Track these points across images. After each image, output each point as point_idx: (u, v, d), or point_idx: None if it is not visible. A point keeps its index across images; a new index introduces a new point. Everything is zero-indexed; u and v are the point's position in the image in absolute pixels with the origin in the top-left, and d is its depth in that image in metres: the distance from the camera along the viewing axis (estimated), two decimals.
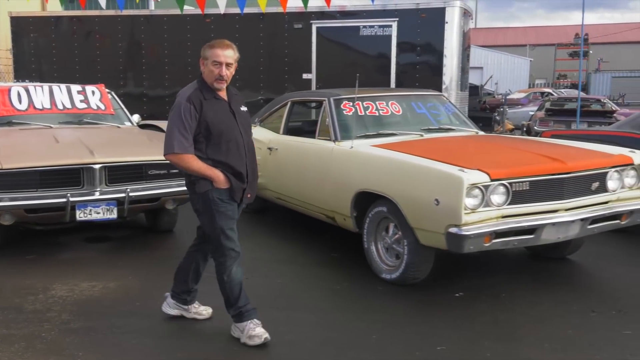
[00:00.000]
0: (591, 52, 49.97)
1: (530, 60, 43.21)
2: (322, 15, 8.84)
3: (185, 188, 4.89)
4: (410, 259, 3.99)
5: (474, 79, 26.05)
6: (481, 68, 41.06)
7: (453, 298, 3.95)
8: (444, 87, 8.47)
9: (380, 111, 5.09)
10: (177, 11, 8.85)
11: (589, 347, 3.23)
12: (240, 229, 3.28)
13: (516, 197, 3.73)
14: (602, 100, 13.76)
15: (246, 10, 8.97)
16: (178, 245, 5.26)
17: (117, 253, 5.04)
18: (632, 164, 4.14)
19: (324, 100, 5.12)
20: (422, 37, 8.53)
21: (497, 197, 3.68)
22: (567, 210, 3.88)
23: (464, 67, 9.18)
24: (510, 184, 3.69)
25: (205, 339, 3.33)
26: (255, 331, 3.20)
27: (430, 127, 5.11)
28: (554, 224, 3.80)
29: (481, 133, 5.35)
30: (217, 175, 3.13)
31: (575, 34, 50.20)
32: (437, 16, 8.40)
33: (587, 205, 3.96)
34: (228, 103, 3.23)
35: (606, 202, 4.06)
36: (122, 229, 5.71)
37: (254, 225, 5.81)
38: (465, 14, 8.91)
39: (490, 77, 26.76)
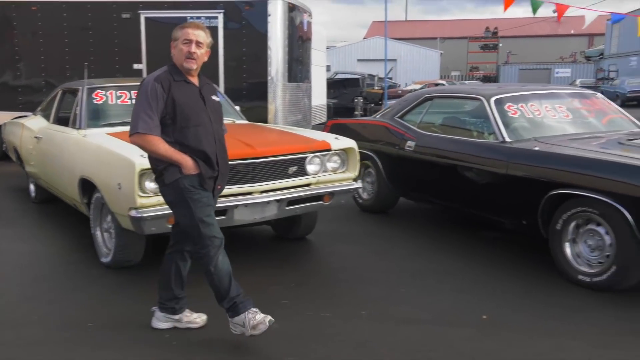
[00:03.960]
0: (501, 45, 52.22)
1: (441, 53, 44.72)
2: (150, 5, 8.85)
3: None
4: (117, 242, 4.14)
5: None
6: (395, 60, 42.21)
7: None
8: (269, 78, 8.70)
9: (134, 100, 5.21)
10: None
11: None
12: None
13: None
14: None
15: None
16: None
17: None
18: (331, 150, 4.45)
19: (79, 89, 5.21)
20: (248, 29, 8.72)
21: None
22: (261, 192, 4.14)
23: (297, 58, 9.44)
24: None
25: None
26: (257, 319, 3.01)
27: None
28: (246, 205, 4.05)
29: (239, 122, 5.56)
30: (186, 159, 2.93)
31: (485, 27, 52.30)
32: (261, 8, 8.61)
33: (286, 188, 4.24)
34: (199, 89, 3.08)
35: (307, 185, 4.36)
36: None
37: (42, 217, 5.89)
38: (295, 8, 9.16)
39: (391, 69, 27.61)
